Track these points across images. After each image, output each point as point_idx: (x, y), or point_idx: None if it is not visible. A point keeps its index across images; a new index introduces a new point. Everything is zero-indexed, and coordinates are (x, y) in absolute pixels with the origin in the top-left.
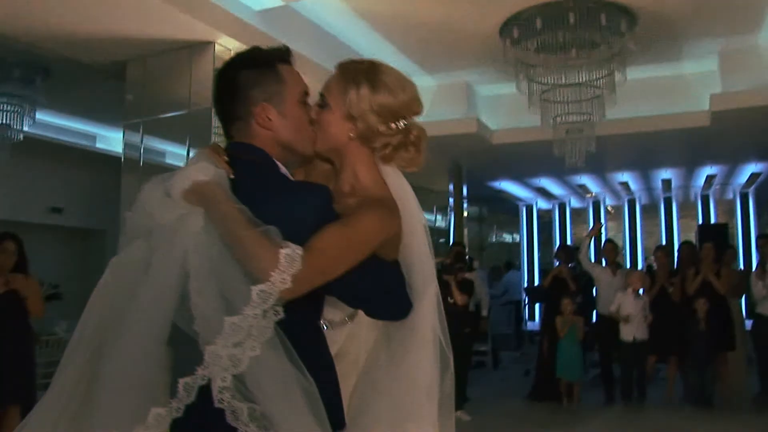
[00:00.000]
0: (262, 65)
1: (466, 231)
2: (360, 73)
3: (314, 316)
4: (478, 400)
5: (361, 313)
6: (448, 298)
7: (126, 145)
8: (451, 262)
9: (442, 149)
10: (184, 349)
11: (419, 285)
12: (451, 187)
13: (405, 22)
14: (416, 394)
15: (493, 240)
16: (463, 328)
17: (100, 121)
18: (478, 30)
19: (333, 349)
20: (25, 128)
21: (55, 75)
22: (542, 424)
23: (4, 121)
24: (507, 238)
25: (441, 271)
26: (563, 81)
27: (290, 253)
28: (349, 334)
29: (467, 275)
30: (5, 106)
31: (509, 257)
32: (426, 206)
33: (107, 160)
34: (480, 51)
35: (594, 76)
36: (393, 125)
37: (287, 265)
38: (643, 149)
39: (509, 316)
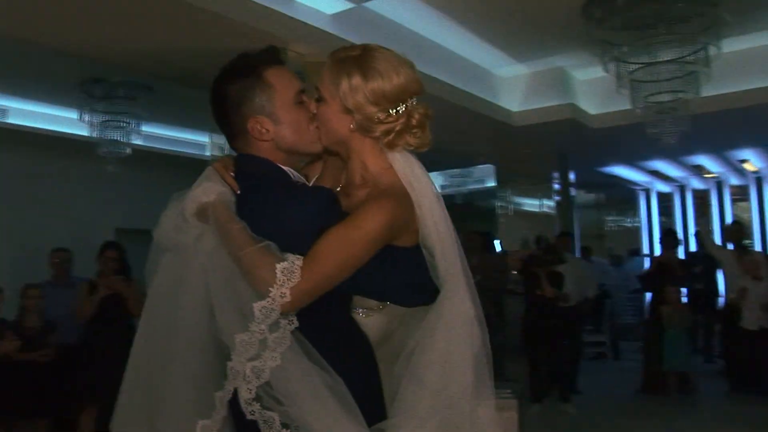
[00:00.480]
0: (247, 75)
1: (577, 218)
2: (350, 61)
3: (340, 313)
4: (590, 393)
5: None
6: (536, 290)
7: (226, 153)
8: (543, 253)
9: (541, 137)
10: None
11: (443, 267)
12: (555, 175)
13: (485, 11)
14: (449, 381)
15: (612, 227)
16: (552, 320)
17: (207, 130)
18: (562, 12)
19: (372, 336)
20: (136, 141)
21: (157, 90)
22: (650, 417)
23: (111, 137)
24: (628, 224)
25: (530, 262)
26: (652, 59)
27: (288, 266)
28: (388, 318)
29: (559, 267)
30: (111, 123)
31: (631, 244)
32: (531, 195)
33: None
34: (568, 34)
35: (685, 52)
36: (392, 111)
37: (285, 279)
38: (757, 123)
39: (635, 306)
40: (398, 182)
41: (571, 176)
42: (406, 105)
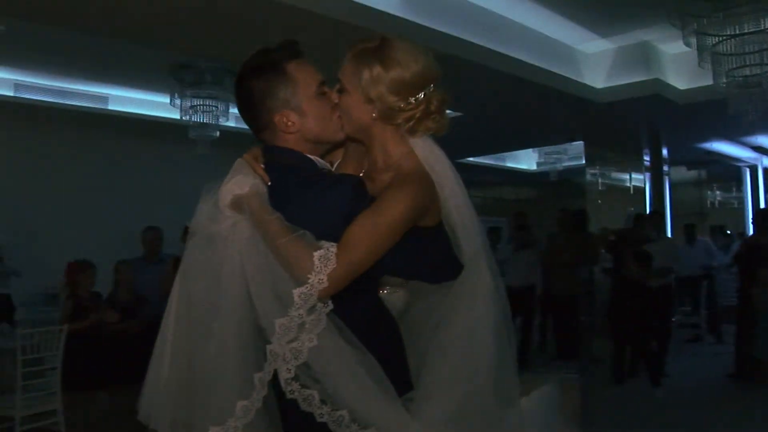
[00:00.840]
0: (269, 71)
1: (673, 196)
2: (370, 53)
3: (369, 294)
4: (679, 377)
5: None
6: (622, 269)
7: None
8: (630, 232)
9: (628, 114)
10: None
11: (465, 245)
12: (646, 152)
13: None
14: (472, 352)
15: (716, 205)
16: (638, 300)
17: None
18: None
19: (396, 311)
20: (229, 123)
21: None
22: (734, 405)
23: (202, 120)
24: (734, 202)
25: (618, 241)
26: (735, 31)
27: (324, 254)
28: (411, 295)
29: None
30: (200, 107)
31: (735, 223)
32: (623, 172)
33: None
34: (654, 6)
35: None
36: (412, 99)
37: (322, 266)
38: None
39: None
40: (420, 166)
41: (665, 152)
42: (425, 92)
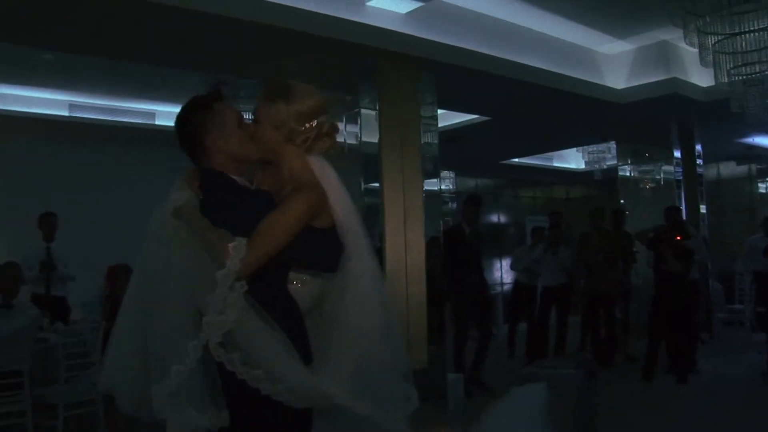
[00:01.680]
0: (201, 108)
1: (705, 192)
2: (276, 92)
3: (280, 284)
4: (713, 375)
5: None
6: (662, 265)
7: None
8: (668, 229)
9: (651, 112)
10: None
11: (351, 243)
12: (677, 151)
13: None
14: (361, 321)
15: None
16: (680, 295)
17: None
18: None
19: (305, 302)
20: None
21: None
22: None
23: None
24: None
25: (656, 238)
26: (736, 30)
27: (237, 245)
28: (317, 287)
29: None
30: None
31: None
32: (657, 169)
33: None
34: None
35: None
36: (307, 125)
37: (235, 254)
38: None
39: None
40: (315, 178)
41: (698, 148)
42: (317, 120)
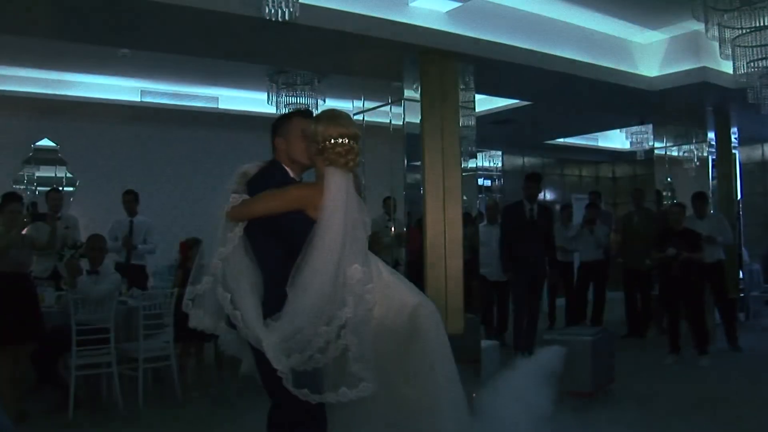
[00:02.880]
0: (284, 118)
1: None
2: (321, 116)
3: (278, 250)
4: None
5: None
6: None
7: None
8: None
9: (687, 99)
10: None
11: (322, 234)
12: (712, 136)
13: None
14: (308, 291)
15: None
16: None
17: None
18: None
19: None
20: None
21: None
22: None
23: None
24: None
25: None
26: (754, 24)
27: (236, 198)
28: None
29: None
30: (293, 105)
31: None
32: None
33: None
34: None
35: None
36: (329, 144)
37: (233, 203)
38: None
39: None
40: (322, 182)
41: (734, 132)
42: (340, 141)
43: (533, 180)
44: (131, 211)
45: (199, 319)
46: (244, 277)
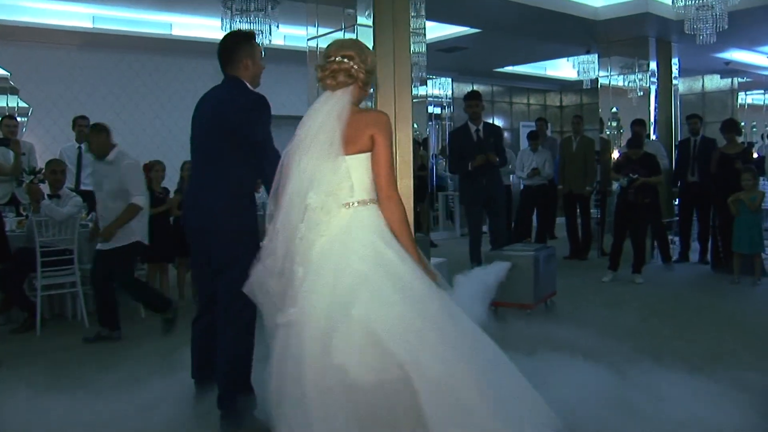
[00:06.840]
0: (245, 39)
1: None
2: (364, 48)
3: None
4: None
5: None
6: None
7: None
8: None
9: (628, 30)
10: None
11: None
12: (654, 67)
13: None
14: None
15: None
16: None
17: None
18: None
19: None
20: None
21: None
22: (711, 293)
23: None
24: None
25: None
26: None
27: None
28: None
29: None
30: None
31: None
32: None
33: None
34: None
35: None
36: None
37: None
38: None
39: None
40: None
41: (675, 62)
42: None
43: (473, 98)
44: (82, 138)
45: None
46: None
